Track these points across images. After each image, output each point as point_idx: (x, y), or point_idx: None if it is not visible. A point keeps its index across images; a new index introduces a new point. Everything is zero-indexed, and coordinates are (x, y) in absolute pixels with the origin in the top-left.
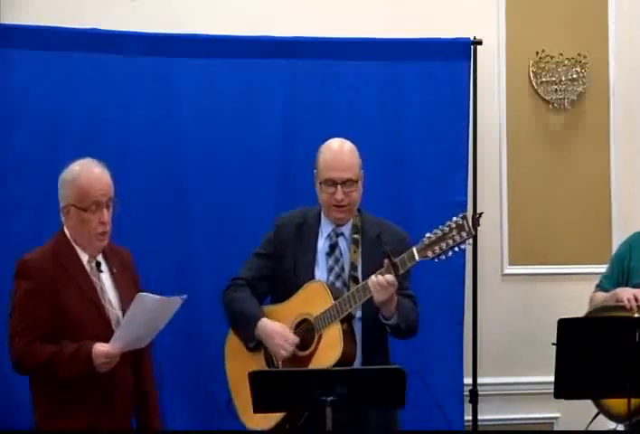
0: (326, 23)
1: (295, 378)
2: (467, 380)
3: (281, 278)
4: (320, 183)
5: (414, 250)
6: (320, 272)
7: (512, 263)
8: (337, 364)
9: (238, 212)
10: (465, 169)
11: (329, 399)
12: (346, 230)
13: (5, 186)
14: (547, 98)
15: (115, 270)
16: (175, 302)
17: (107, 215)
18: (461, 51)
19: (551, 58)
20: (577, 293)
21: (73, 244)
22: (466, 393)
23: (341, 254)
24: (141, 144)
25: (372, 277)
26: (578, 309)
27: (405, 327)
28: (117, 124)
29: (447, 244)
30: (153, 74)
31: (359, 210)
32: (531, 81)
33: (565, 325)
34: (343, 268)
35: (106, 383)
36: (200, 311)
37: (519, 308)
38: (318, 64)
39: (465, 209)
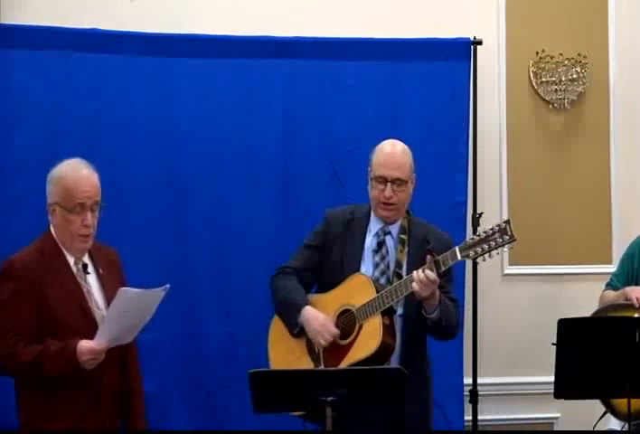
0: (326, 23)
1: (295, 378)
2: (467, 380)
3: (328, 270)
4: (371, 180)
5: (457, 249)
6: (366, 267)
7: (512, 263)
8: (376, 354)
9: (238, 212)
10: (465, 169)
11: (329, 399)
12: (394, 229)
13: (5, 186)
14: (547, 98)
15: (101, 271)
16: (158, 293)
17: (90, 218)
18: (461, 51)
19: (551, 58)
20: (577, 293)
21: (60, 245)
22: (466, 393)
23: (387, 252)
24: (141, 144)
25: (414, 272)
26: (579, 309)
27: (446, 324)
28: (117, 124)
29: (489, 246)
30: (153, 74)
31: (408, 212)
32: (531, 81)
33: (565, 325)
34: (388, 266)
35: (93, 384)
36: (200, 311)
37: (519, 308)
38: (318, 64)
39: (464, 209)
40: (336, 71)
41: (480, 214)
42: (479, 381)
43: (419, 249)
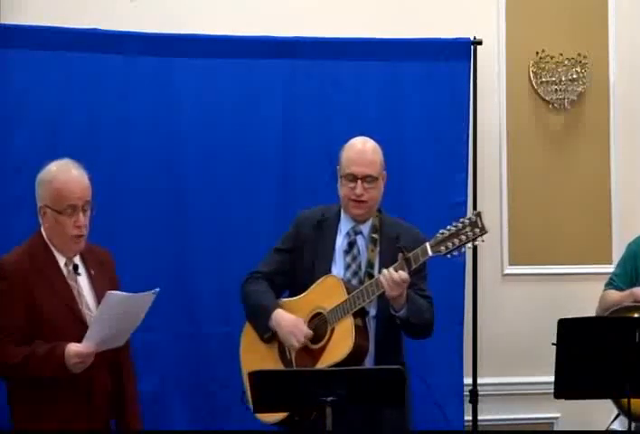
0: (326, 23)
1: (295, 378)
2: (467, 380)
3: (299, 274)
4: (341, 178)
5: (427, 245)
6: (337, 269)
7: (512, 263)
8: (348, 358)
9: (238, 212)
10: (465, 169)
11: (329, 399)
12: (365, 228)
13: (5, 186)
14: (547, 98)
15: (93, 272)
16: (147, 297)
17: (82, 219)
18: (461, 51)
19: (551, 58)
20: (577, 293)
21: (50, 246)
22: (466, 393)
23: (358, 252)
24: (141, 144)
25: (385, 271)
26: (579, 309)
27: (415, 322)
28: (117, 124)
29: (460, 240)
30: (153, 74)
31: (379, 210)
32: (531, 81)
33: (565, 325)
34: (360, 266)
35: (83, 385)
36: (200, 311)
37: (519, 308)
38: (318, 64)
39: (464, 209)
40: (336, 71)
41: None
42: (479, 381)
43: (392, 248)
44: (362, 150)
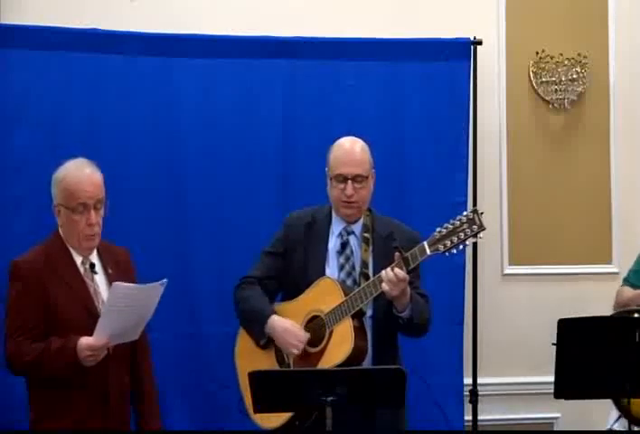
0: (326, 23)
1: (295, 378)
2: (467, 380)
3: (292, 277)
4: (330, 179)
5: (425, 243)
6: (331, 270)
7: (512, 263)
8: (348, 360)
9: (238, 212)
10: (465, 169)
11: (329, 399)
12: (357, 228)
13: (5, 186)
14: (547, 98)
15: (110, 271)
16: (156, 289)
17: (94, 217)
18: (461, 51)
19: (551, 58)
20: (576, 293)
21: (67, 245)
22: (466, 393)
23: (352, 252)
24: (141, 144)
25: (383, 272)
26: (579, 309)
27: (418, 322)
28: (117, 124)
29: (459, 238)
30: (153, 74)
31: (370, 209)
32: (531, 81)
33: (565, 325)
34: (353, 267)
35: (99, 384)
36: (200, 311)
37: (519, 308)
38: (318, 64)
39: (465, 209)
40: (336, 71)
41: (480, 214)
42: (479, 381)
43: (384, 246)
44: (350, 150)
